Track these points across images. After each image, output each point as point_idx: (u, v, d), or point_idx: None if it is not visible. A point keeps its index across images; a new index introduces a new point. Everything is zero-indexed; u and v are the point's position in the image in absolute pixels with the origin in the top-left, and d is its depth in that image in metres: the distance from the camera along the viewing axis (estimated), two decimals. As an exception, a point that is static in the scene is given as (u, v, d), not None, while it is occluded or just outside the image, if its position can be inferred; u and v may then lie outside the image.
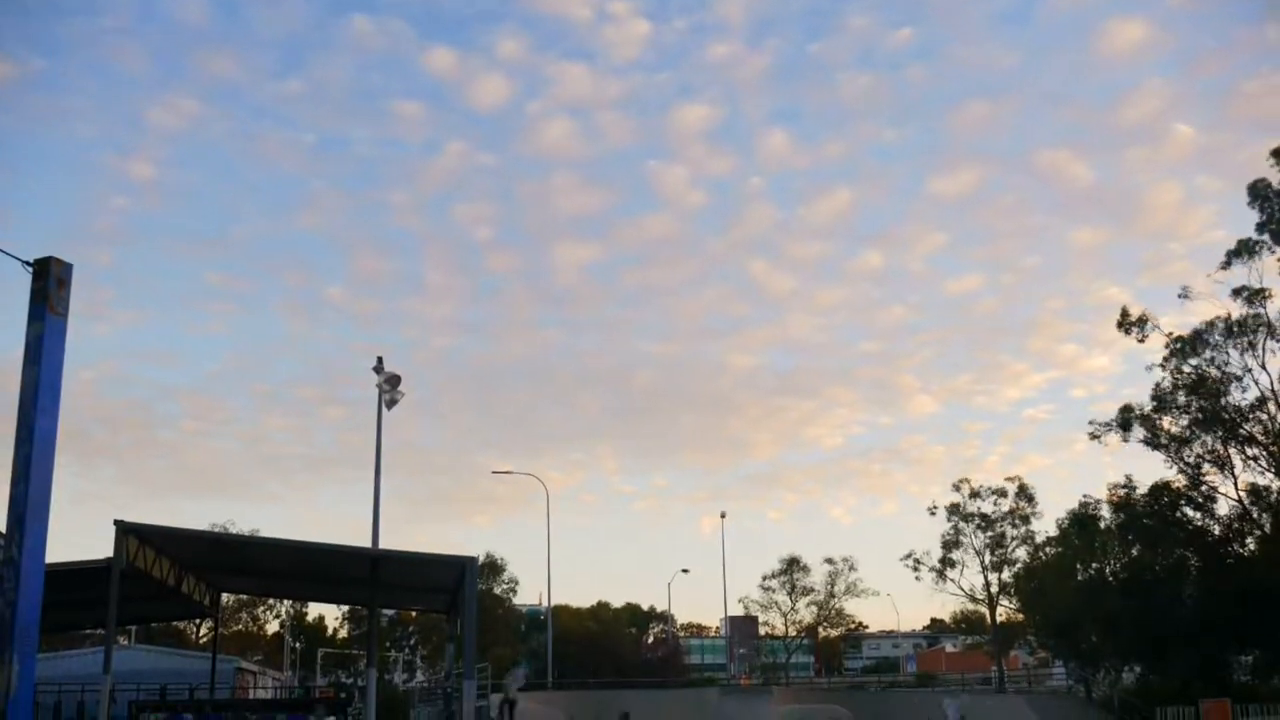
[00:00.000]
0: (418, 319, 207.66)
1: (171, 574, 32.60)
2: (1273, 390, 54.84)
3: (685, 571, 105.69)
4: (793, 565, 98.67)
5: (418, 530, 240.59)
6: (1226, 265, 56.06)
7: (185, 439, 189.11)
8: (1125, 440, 58.76)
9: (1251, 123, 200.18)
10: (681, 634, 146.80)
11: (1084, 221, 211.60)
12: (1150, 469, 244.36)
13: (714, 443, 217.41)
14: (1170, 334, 57.51)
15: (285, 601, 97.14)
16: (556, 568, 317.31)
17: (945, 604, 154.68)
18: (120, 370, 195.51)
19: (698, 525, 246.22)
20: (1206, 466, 57.78)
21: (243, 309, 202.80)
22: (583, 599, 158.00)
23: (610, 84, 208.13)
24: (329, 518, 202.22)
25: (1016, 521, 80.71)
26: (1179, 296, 58.24)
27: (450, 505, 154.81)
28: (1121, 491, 60.28)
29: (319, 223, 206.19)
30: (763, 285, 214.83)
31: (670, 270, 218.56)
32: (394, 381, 36.12)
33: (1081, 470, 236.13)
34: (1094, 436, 59.98)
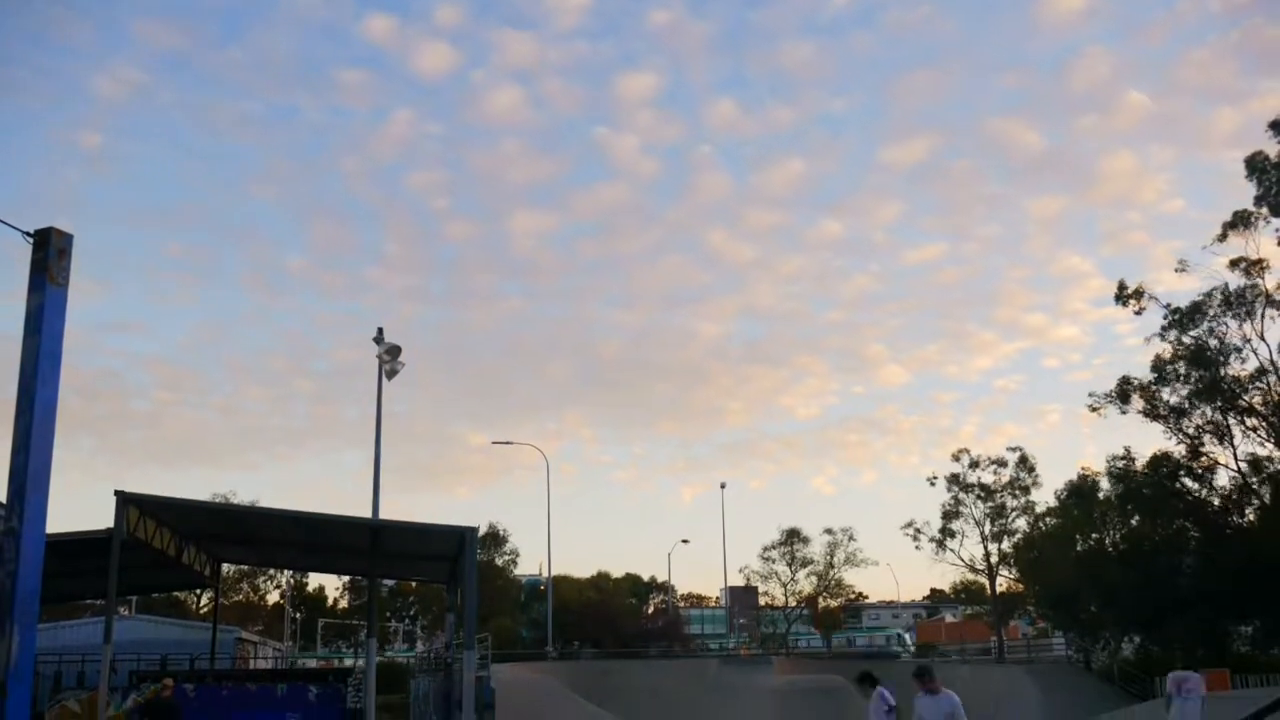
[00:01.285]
0: (380, 289, 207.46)
1: (172, 544, 32.59)
2: (1272, 361, 54.93)
3: (685, 542, 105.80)
4: (792, 536, 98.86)
5: (397, 500, 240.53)
6: (1223, 237, 56.36)
7: (161, 409, 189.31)
8: (1124, 412, 58.91)
9: (1201, 91, 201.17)
10: (682, 604, 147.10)
11: (1040, 190, 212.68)
12: (1135, 440, 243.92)
13: (688, 412, 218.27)
14: (1169, 305, 57.62)
15: (285, 572, 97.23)
16: (544, 536, 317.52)
17: (945, 574, 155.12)
18: (88, 340, 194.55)
19: (679, 494, 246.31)
20: (1206, 437, 57.96)
21: (206, 279, 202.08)
22: (577, 568, 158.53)
23: (553, 51, 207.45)
24: (311, 488, 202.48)
25: (1016, 492, 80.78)
26: (1176, 270, 58.52)
27: (430, 475, 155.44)
28: (1121, 462, 60.39)
29: (274, 193, 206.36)
30: (723, 254, 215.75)
31: (629, 239, 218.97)
32: (394, 352, 36.09)
33: (1058, 441, 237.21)
34: (1093, 409, 60.30)
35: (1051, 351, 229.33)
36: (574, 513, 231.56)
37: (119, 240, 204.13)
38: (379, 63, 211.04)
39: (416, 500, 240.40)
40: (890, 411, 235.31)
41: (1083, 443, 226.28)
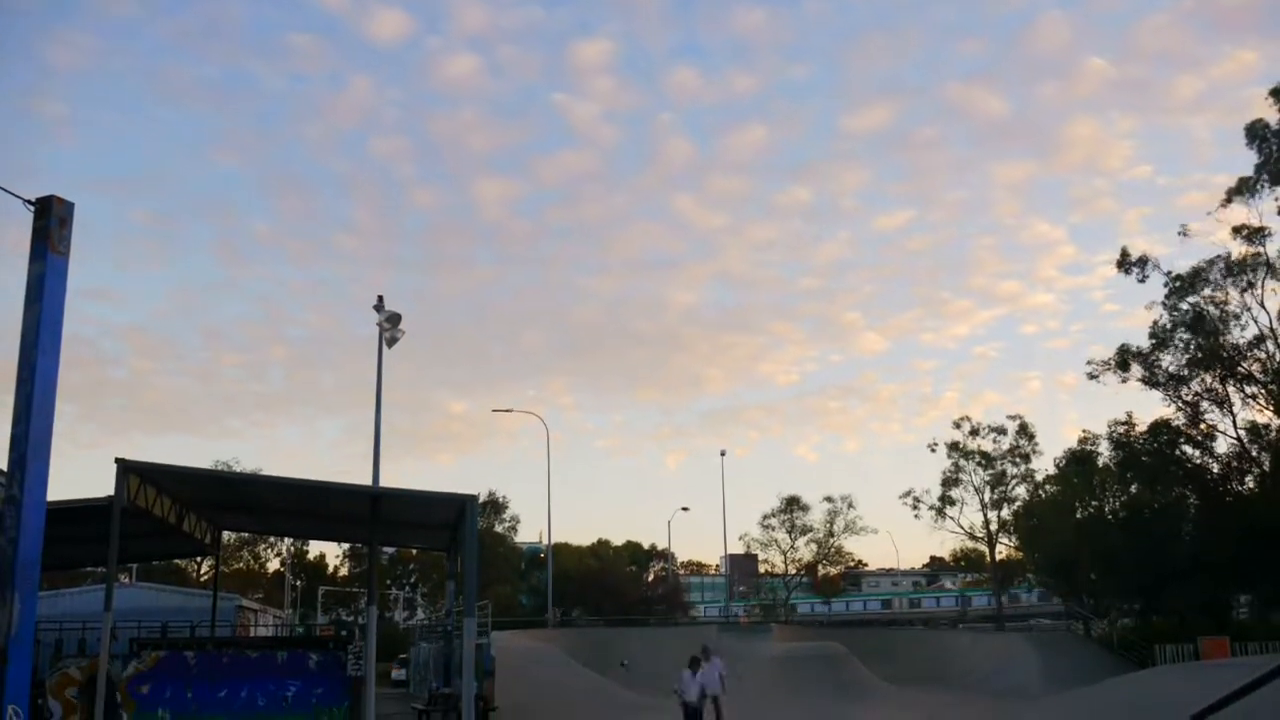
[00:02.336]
0: (351, 256, 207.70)
1: (172, 512, 32.54)
2: (1272, 329, 54.93)
3: (685, 509, 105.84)
4: (792, 504, 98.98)
5: (382, 467, 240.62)
6: (1226, 204, 56.28)
7: (139, 377, 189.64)
8: (1123, 380, 59.00)
9: (1161, 57, 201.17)
10: (681, 572, 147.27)
11: (1005, 156, 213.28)
12: (1121, 408, 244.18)
13: (668, 379, 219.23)
14: (1170, 273, 57.68)
15: (286, 539, 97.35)
16: (536, 504, 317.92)
17: (945, 542, 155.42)
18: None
19: (663, 462, 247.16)
20: (1205, 404, 57.99)
21: (174, 247, 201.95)
22: (575, 536, 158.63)
23: (508, 18, 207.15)
24: (292, 455, 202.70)
25: (1016, 459, 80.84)
26: (1178, 235, 58.66)
27: (411, 442, 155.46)
28: (1121, 429, 60.47)
29: (236, 160, 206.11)
30: (692, 221, 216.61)
31: (596, 206, 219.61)
32: (394, 320, 35.99)
33: (1040, 408, 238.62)
34: (1092, 376, 60.30)
35: (1028, 318, 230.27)
36: (560, 480, 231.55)
37: (85, 208, 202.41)
38: (334, 29, 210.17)
39: (399, 467, 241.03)
40: (870, 379, 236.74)
41: (1064, 409, 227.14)
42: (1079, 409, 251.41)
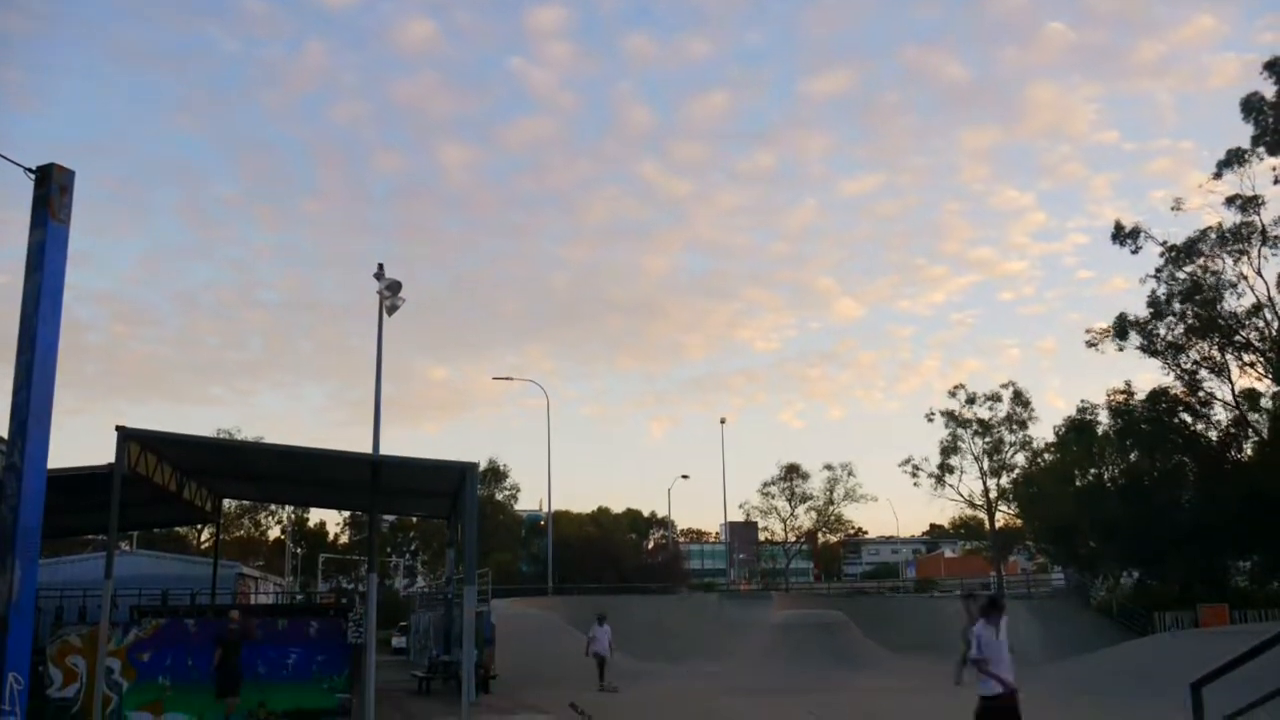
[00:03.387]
0: (318, 221, 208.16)
1: (173, 480, 32.56)
2: (1269, 297, 55.03)
3: (685, 478, 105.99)
4: (792, 472, 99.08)
5: (364, 434, 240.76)
6: (1218, 175, 56.59)
7: (116, 343, 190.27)
8: (1121, 348, 59.20)
9: (1120, 21, 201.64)
10: (682, 539, 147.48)
11: (969, 122, 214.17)
12: (1104, 376, 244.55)
13: (647, 347, 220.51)
14: (1165, 243, 57.94)
15: (286, 507, 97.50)
16: (525, 471, 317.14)
17: (944, 509, 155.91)
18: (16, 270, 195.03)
19: (647, 429, 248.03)
20: (1203, 372, 58.11)
21: (141, 212, 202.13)
22: (574, 504, 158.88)
23: None
24: (275, 422, 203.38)
25: (1014, 427, 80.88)
26: (1172, 209, 59.04)
27: (394, 410, 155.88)
28: (1120, 397, 60.65)
29: (197, 126, 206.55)
30: (659, 187, 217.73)
31: (561, 173, 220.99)
32: (395, 288, 35.87)
33: (1020, 376, 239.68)
34: (1091, 344, 60.47)
35: (1004, 285, 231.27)
36: (544, 447, 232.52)
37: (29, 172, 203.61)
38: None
39: (385, 435, 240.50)
40: (849, 345, 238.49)
41: (1046, 376, 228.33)
42: (1060, 376, 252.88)
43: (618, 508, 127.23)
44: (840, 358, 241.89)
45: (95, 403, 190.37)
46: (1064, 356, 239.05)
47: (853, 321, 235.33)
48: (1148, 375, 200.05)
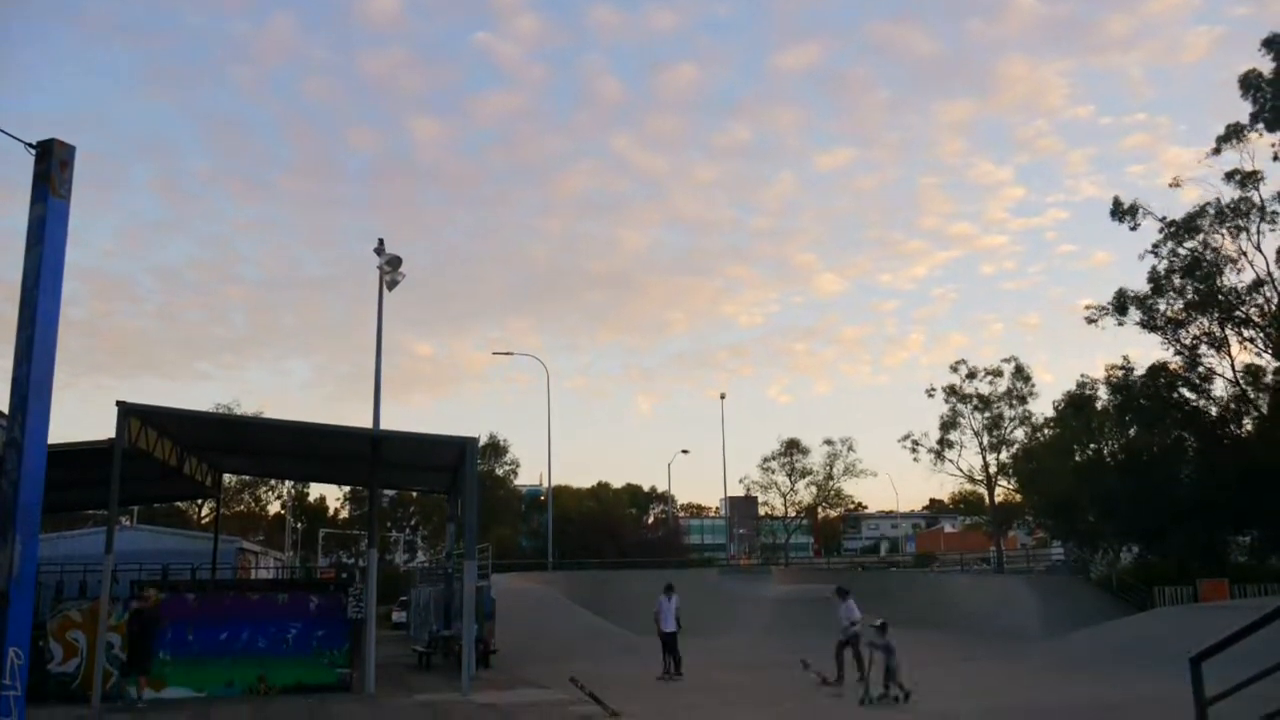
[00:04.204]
0: (293, 197, 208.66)
1: (173, 455, 32.62)
2: (1269, 272, 55.07)
3: (685, 452, 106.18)
4: (792, 447, 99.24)
5: (356, 409, 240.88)
6: (1216, 151, 56.67)
7: (98, 318, 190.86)
8: (1121, 324, 59.26)
9: None
10: (682, 514, 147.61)
11: (942, 96, 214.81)
12: (1090, 351, 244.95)
13: (631, 322, 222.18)
14: (1165, 218, 58.04)
15: (287, 482, 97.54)
16: (520, 445, 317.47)
17: (944, 484, 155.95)
18: (15, 250, 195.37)
19: (634, 403, 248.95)
20: (1203, 348, 58.14)
21: (115, 187, 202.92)
22: (574, 479, 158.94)
23: None
24: (263, 397, 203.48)
25: (1014, 402, 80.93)
26: (1170, 186, 59.14)
27: (383, 385, 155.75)
28: (1119, 372, 60.68)
29: (167, 101, 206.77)
30: (633, 161, 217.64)
31: (535, 147, 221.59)
32: (395, 263, 35.87)
33: (1004, 351, 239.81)
34: (1090, 320, 60.38)
35: (985, 259, 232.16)
36: (534, 420, 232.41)
37: (12, 150, 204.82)
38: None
39: (369, 408, 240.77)
40: (832, 320, 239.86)
41: (1030, 352, 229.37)
42: (1046, 351, 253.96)
43: (617, 482, 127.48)
44: (825, 333, 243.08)
45: (79, 378, 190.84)
46: (1048, 332, 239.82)
47: (835, 296, 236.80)
48: (1136, 350, 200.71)
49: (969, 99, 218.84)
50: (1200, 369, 58.32)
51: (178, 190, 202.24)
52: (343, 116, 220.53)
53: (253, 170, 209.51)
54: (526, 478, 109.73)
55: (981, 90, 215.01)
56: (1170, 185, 59.20)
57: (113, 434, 26.28)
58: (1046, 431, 76.40)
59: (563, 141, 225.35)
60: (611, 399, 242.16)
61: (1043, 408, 79.24)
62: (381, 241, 35.66)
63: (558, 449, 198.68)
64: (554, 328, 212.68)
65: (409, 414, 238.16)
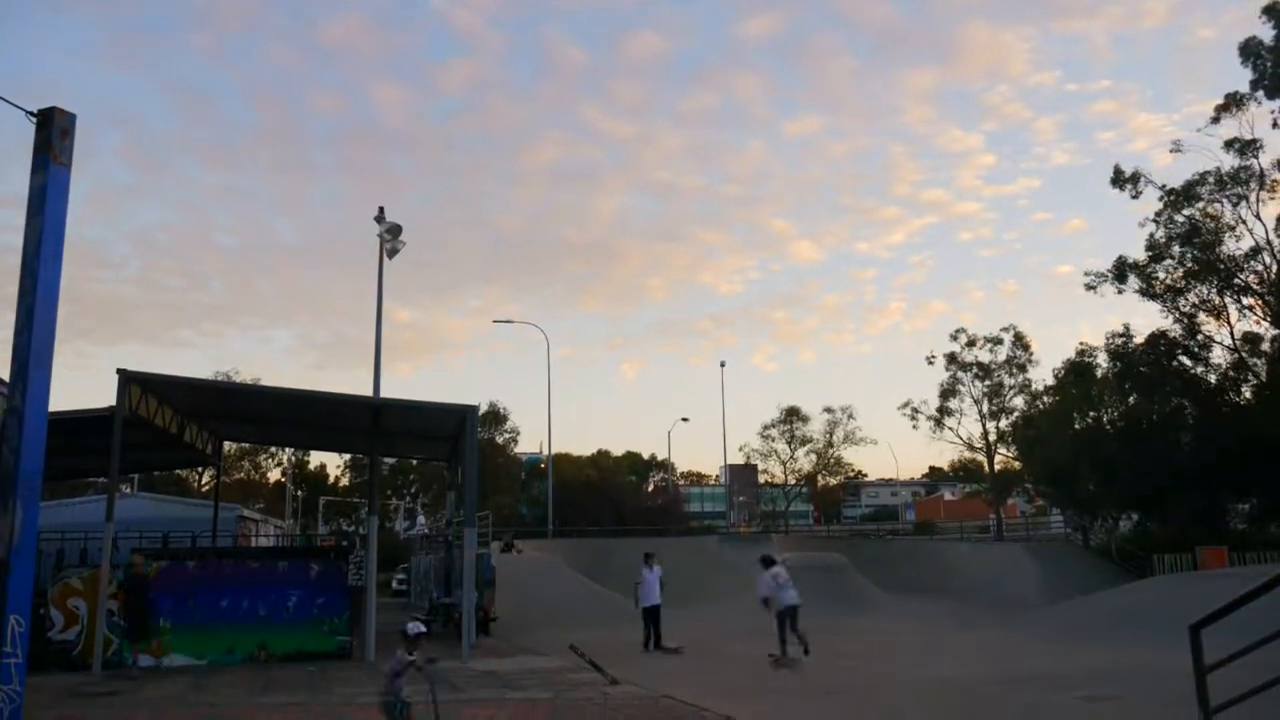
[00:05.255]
0: (261, 164, 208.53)
1: (173, 422, 32.64)
2: (1268, 240, 55.16)
3: (685, 420, 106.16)
4: (792, 415, 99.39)
5: (334, 376, 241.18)
6: (1216, 119, 56.65)
7: (77, 285, 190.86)
8: (1120, 291, 59.35)
9: None
10: (681, 482, 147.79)
11: (906, 64, 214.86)
12: (1069, 317, 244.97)
13: (610, 289, 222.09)
14: (1164, 186, 58.08)
15: (287, 450, 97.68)
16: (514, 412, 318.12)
17: (943, 452, 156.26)
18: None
19: (619, 371, 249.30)
20: (1202, 316, 58.27)
21: (83, 153, 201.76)
22: (575, 446, 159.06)
23: None
24: (248, 365, 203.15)
25: (1013, 370, 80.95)
26: (1170, 151, 59.04)
27: (362, 351, 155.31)
28: (1118, 340, 60.77)
29: (130, 65, 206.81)
30: (600, 128, 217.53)
31: (501, 115, 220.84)
32: (395, 231, 35.74)
33: (986, 319, 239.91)
34: (1089, 287, 60.52)
35: (960, 226, 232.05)
36: (527, 388, 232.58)
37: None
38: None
39: (357, 376, 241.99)
40: (813, 288, 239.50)
41: (1012, 319, 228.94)
42: (1027, 319, 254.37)
43: (617, 450, 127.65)
44: (805, 300, 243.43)
45: (60, 345, 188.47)
46: (1027, 299, 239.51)
47: (814, 264, 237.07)
48: (1113, 318, 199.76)
49: (933, 66, 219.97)
50: (1199, 337, 58.46)
51: (145, 156, 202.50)
52: (305, 83, 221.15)
53: (220, 138, 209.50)
54: (527, 445, 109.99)
55: (944, 57, 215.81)
56: (1171, 150, 59.06)
57: (107, 401, 26.32)
58: (1046, 399, 76.44)
59: (529, 109, 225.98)
60: (598, 367, 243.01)
61: (1041, 375, 79.39)
62: (382, 210, 35.54)
63: (541, 414, 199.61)
64: (533, 296, 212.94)
65: (395, 382, 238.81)
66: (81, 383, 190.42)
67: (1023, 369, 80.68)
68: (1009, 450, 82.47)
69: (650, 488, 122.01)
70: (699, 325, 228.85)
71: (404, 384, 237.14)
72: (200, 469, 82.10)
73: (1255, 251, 55.85)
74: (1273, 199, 55.47)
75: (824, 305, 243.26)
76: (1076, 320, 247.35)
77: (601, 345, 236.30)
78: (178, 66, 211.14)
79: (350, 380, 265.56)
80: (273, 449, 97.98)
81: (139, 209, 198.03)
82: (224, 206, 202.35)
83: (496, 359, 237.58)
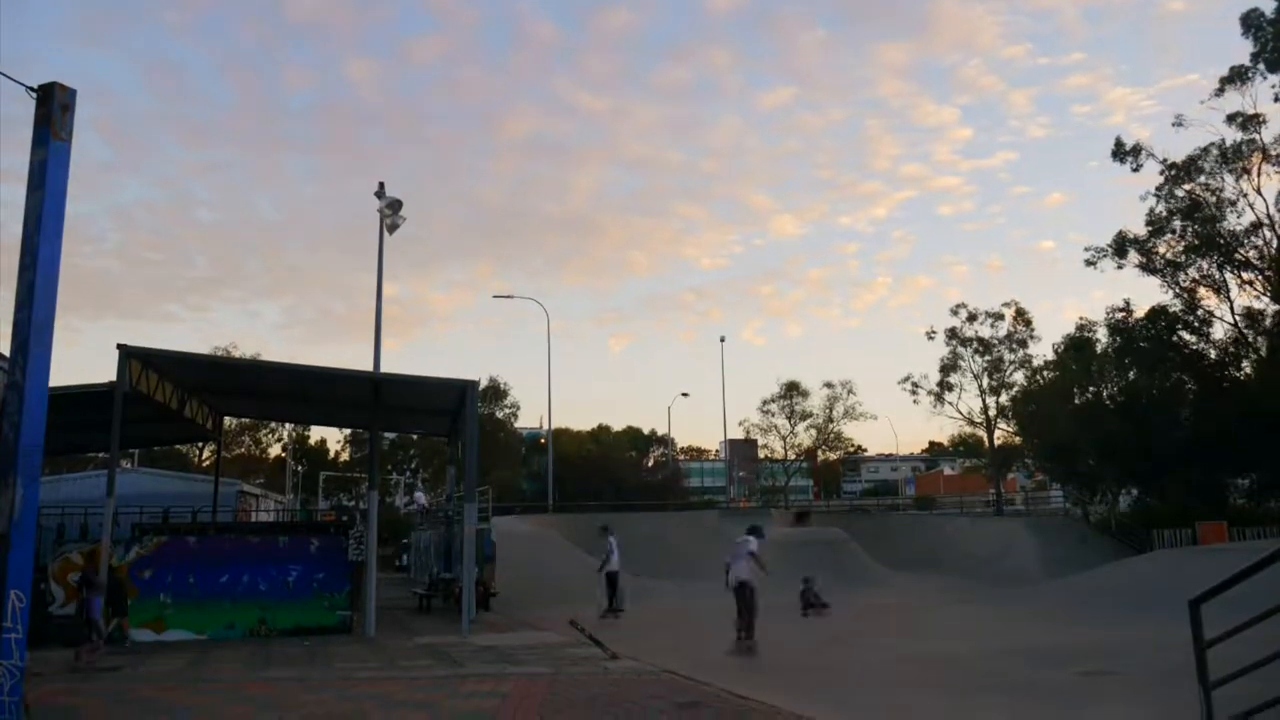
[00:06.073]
0: (239, 138, 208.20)
1: (174, 398, 32.66)
2: (1269, 215, 55.08)
3: (685, 395, 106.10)
4: (792, 389, 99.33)
5: (325, 350, 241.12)
6: (1219, 93, 56.56)
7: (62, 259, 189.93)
8: (1120, 266, 59.32)
9: None
10: (681, 457, 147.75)
11: (876, 36, 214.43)
12: (1066, 292, 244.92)
13: (592, 264, 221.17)
14: (1165, 160, 58.01)
15: (287, 425, 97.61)
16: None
17: (944, 427, 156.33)
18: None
19: (605, 346, 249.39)
20: (1202, 291, 58.23)
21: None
22: (575, 421, 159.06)
23: None
24: (236, 340, 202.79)
25: (1014, 345, 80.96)
26: (1173, 125, 58.77)
27: (348, 327, 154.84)
28: (1119, 315, 60.76)
29: (102, 42, 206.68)
30: (575, 103, 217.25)
31: (475, 90, 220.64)
32: (395, 206, 35.65)
33: (972, 293, 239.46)
34: (1089, 263, 60.54)
35: (940, 200, 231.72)
36: (521, 362, 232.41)
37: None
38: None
39: (342, 351, 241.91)
40: (796, 262, 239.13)
41: (998, 293, 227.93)
42: (1012, 293, 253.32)
43: (617, 426, 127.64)
44: (790, 274, 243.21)
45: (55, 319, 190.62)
46: (1011, 273, 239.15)
47: (796, 238, 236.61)
48: (1102, 293, 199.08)
49: (904, 39, 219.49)
50: (1199, 312, 58.44)
51: (121, 131, 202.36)
52: (278, 58, 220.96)
53: (195, 111, 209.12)
54: (527, 420, 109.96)
55: (914, 28, 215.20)
56: (1173, 124, 58.79)
57: (98, 376, 26.40)
58: (1046, 374, 76.46)
59: (503, 83, 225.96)
60: (586, 341, 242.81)
61: (1042, 350, 79.40)
62: (382, 185, 35.44)
63: (543, 392, 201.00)
64: (515, 271, 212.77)
65: (383, 356, 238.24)
66: (70, 357, 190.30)
67: (1023, 344, 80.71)
68: (1009, 425, 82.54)
69: (650, 462, 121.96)
70: (684, 298, 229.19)
71: (391, 359, 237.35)
72: (201, 444, 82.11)
73: (1256, 227, 55.85)
74: (1278, 172, 55.45)
75: (809, 279, 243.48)
76: (1063, 296, 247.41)
77: (589, 320, 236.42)
78: (152, 43, 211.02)
79: (341, 355, 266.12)
80: (273, 424, 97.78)
81: (119, 185, 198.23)
82: (202, 181, 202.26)
83: (484, 333, 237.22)
